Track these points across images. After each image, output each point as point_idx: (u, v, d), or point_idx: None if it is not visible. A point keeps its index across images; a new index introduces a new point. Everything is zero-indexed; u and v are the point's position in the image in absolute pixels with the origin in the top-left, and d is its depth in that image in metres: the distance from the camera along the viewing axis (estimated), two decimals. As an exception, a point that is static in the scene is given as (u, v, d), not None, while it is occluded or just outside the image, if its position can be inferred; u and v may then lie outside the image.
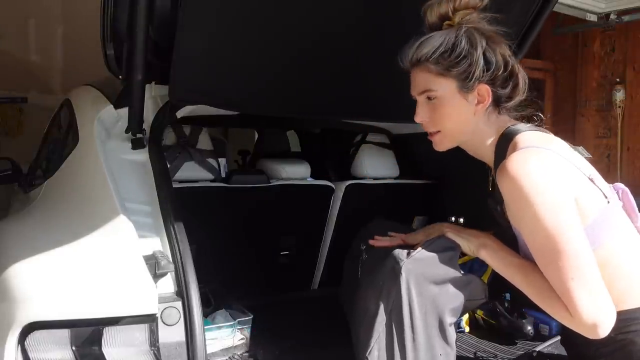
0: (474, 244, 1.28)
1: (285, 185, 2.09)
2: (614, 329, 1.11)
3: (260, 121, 2.46)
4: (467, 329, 2.00)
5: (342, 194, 2.18)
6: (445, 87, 1.25)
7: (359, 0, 1.54)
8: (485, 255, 1.26)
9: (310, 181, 2.21)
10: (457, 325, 1.97)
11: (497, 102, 1.29)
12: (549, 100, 5.23)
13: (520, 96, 1.30)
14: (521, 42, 1.91)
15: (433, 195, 2.36)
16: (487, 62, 1.24)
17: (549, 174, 1.15)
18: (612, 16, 4.29)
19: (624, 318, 1.15)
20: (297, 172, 2.15)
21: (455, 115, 1.27)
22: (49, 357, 1.13)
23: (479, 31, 1.24)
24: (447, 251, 1.28)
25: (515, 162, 1.15)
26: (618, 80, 4.76)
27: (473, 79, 1.23)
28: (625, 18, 4.28)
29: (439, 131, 1.29)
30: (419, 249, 1.28)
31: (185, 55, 1.41)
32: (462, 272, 1.30)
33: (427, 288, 1.24)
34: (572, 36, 5.01)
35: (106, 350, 1.15)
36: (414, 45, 1.26)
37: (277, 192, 2.08)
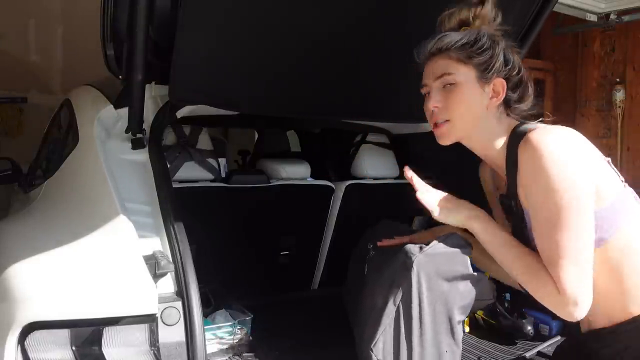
0: (463, 214, 1.26)
1: (285, 185, 2.08)
2: None
3: (260, 121, 2.46)
4: (467, 329, 2.00)
5: (342, 194, 2.17)
6: (464, 74, 1.27)
7: (359, 1, 1.54)
8: (476, 226, 1.25)
9: (310, 181, 2.21)
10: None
11: (507, 104, 1.30)
12: (549, 100, 5.23)
13: (528, 104, 1.32)
14: (521, 42, 1.91)
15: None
16: (506, 58, 1.28)
17: (572, 148, 1.16)
18: (612, 16, 4.28)
19: None
20: (297, 172, 2.15)
21: (469, 104, 1.27)
22: (49, 357, 1.13)
23: (498, 35, 1.29)
24: (460, 248, 1.27)
25: (540, 133, 1.16)
26: (618, 80, 4.76)
27: (492, 71, 1.26)
28: (625, 18, 4.28)
29: (447, 121, 1.28)
30: (433, 243, 1.27)
31: (185, 55, 1.41)
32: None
33: (437, 284, 1.23)
34: (572, 36, 5.01)
35: (106, 350, 1.15)
36: (435, 38, 1.29)
37: (277, 192, 2.08)
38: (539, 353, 1.75)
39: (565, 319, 1.13)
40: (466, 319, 1.99)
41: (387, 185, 2.29)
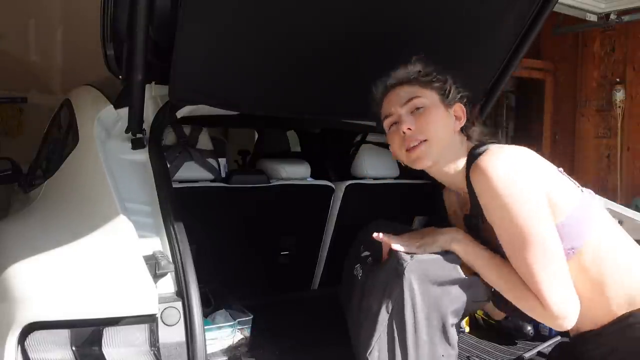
0: (442, 241, 1.30)
1: (285, 185, 2.08)
2: None
3: (260, 121, 2.46)
4: (467, 329, 2.00)
5: (342, 194, 2.17)
6: (430, 97, 1.34)
7: (359, 1, 1.54)
8: (457, 249, 1.28)
9: (310, 181, 2.20)
10: (457, 325, 1.96)
11: (463, 129, 1.38)
12: (549, 100, 5.24)
13: (480, 126, 1.40)
14: (521, 42, 1.91)
15: (433, 195, 2.36)
16: (457, 87, 1.38)
17: (519, 167, 1.19)
18: (612, 16, 4.29)
19: None
20: (297, 172, 2.15)
21: (441, 124, 1.33)
22: (49, 357, 1.13)
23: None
24: (451, 253, 1.28)
25: (487, 158, 1.21)
26: (618, 80, 4.77)
27: (451, 95, 1.35)
28: (625, 18, 4.28)
29: (424, 140, 1.31)
30: None
31: (185, 55, 1.41)
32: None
33: (430, 289, 1.24)
34: (572, 36, 5.02)
35: (106, 350, 1.15)
36: (392, 73, 1.39)
37: (277, 192, 2.07)
38: (539, 353, 1.75)
39: (556, 329, 1.15)
40: (466, 319, 1.99)
41: (387, 185, 2.29)
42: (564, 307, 1.12)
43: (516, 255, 1.16)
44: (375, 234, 1.35)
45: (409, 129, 1.31)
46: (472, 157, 1.30)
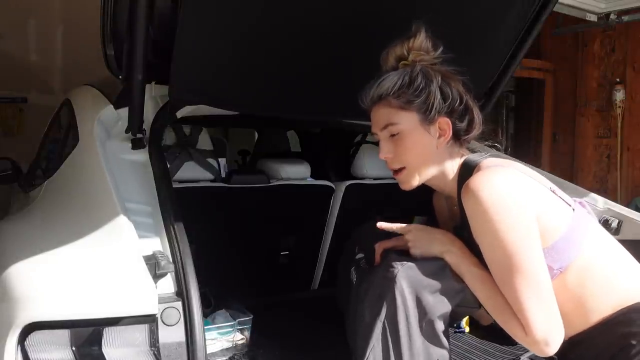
0: (436, 250, 1.27)
1: (285, 185, 2.08)
2: None
3: (260, 121, 2.46)
4: (467, 329, 2.00)
5: (342, 194, 2.17)
6: (407, 120, 1.28)
7: (358, 1, 1.54)
8: (450, 261, 1.26)
9: (310, 181, 2.20)
10: (457, 326, 1.97)
11: (457, 136, 1.31)
12: (549, 100, 5.23)
13: (477, 130, 1.33)
14: (521, 42, 1.91)
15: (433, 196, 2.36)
16: (443, 94, 1.28)
17: (510, 191, 1.16)
18: (612, 16, 4.28)
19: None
20: (297, 172, 2.15)
21: (419, 149, 1.28)
22: (49, 357, 1.13)
23: (433, 69, 1.29)
24: (442, 260, 1.28)
25: (478, 180, 1.18)
26: (618, 80, 4.77)
27: (433, 111, 1.26)
28: (625, 18, 4.28)
29: (403, 168, 1.30)
30: None
31: (185, 55, 1.41)
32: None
33: (421, 295, 1.23)
34: (572, 36, 5.02)
35: (106, 350, 1.15)
36: (374, 84, 1.30)
37: (277, 192, 2.07)
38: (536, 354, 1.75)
39: (539, 355, 1.15)
40: (466, 319, 1.99)
41: (387, 185, 2.29)
42: (548, 334, 1.11)
43: (503, 281, 1.15)
44: (383, 224, 1.33)
45: (387, 157, 1.31)
46: (465, 168, 1.28)
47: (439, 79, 1.28)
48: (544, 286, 1.13)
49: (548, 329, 1.11)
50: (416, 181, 1.31)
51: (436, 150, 1.29)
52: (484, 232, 1.16)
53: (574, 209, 1.25)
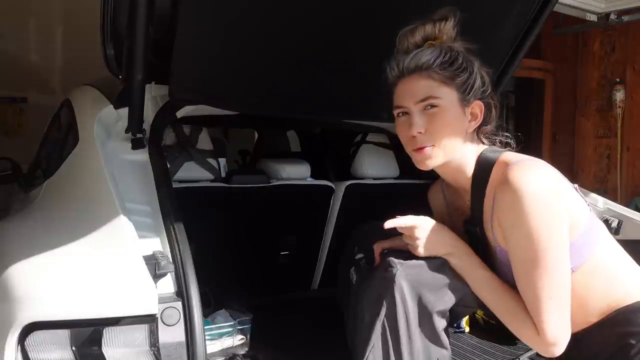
0: (440, 252, 1.25)
1: (285, 185, 2.08)
2: None
3: (260, 121, 2.46)
4: (467, 329, 2.00)
5: (342, 194, 2.17)
6: (448, 96, 1.22)
7: (359, 1, 1.54)
8: (453, 263, 1.25)
9: (310, 181, 2.20)
10: (457, 325, 1.97)
11: (480, 125, 1.29)
12: (549, 100, 5.23)
13: (494, 121, 1.31)
14: (521, 42, 1.91)
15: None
16: (482, 78, 1.25)
17: (549, 186, 1.15)
18: (612, 16, 4.28)
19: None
20: (297, 172, 2.15)
21: (453, 127, 1.23)
22: (49, 357, 1.13)
23: (469, 51, 1.26)
24: (441, 258, 1.28)
25: (519, 174, 1.14)
26: (618, 80, 4.77)
27: (472, 92, 1.23)
28: (625, 18, 4.27)
29: (432, 145, 1.24)
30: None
31: (185, 54, 1.41)
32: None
33: (421, 294, 1.23)
34: (572, 36, 5.02)
35: (106, 350, 1.15)
36: (410, 54, 1.23)
37: (277, 192, 2.07)
38: (539, 353, 1.75)
39: (544, 355, 1.15)
40: (466, 319, 1.99)
41: (387, 185, 2.29)
42: (559, 336, 1.11)
43: (526, 277, 1.14)
44: (393, 221, 1.29)
45: (420, 132, 1.23)
46: (484, 161, 1.25)
47: (478, 63, 1.26)
48: (564, 289, 1.13)
49: (560, 331, 1.11)
50: (440, 160, 1.25)
51: (465, 134, 1.25)
52: (519, 225, 1.13)
53: (590, 209, 1.26)
